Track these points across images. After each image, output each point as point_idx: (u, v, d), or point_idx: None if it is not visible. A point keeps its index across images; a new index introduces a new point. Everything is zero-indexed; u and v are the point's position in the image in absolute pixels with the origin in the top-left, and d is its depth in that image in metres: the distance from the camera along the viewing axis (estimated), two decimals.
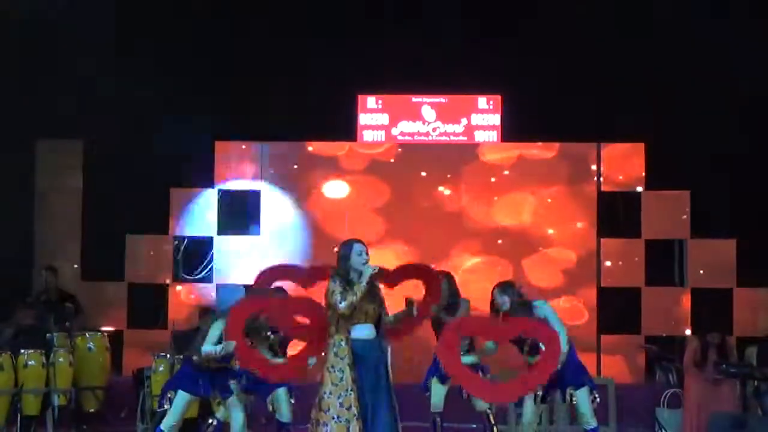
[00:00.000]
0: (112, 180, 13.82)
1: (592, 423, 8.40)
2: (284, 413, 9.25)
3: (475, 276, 14.01)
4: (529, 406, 8.53)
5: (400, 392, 8.01)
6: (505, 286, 8.66)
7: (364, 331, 7.57)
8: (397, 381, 8.91)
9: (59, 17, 13.13)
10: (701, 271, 13.92)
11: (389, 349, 8.10)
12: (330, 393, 7.42)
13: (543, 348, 8.04)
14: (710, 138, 13.34)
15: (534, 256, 14.09)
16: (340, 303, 7.42)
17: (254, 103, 13.79)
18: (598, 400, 8.51)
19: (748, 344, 11.42)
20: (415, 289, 8.35)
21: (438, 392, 9.41)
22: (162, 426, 8.45)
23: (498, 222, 14.20)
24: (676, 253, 14.18)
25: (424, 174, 14.27)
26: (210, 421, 9.02)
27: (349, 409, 7.37)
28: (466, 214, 14.20)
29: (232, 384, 8.43)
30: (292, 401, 9.29)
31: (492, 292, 8.66)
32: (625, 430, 11.53)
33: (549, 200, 14.19)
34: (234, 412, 8.50)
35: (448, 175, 14.27)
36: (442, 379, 9.36)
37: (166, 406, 8.49)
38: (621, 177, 14.14)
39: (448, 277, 9.55)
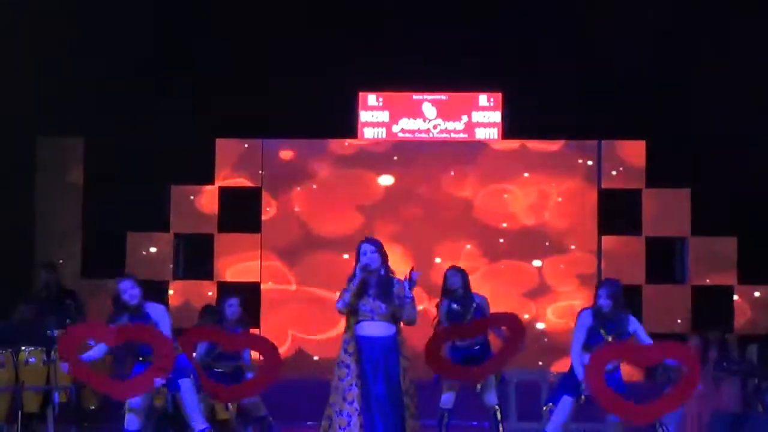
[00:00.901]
0: (113, 177, 13.82)
1: None
2: (258, 406, 9.32)
3: (477, 277, 14.03)
4: (567, 405, 8.35)
5: None
6: (614, 288, 8.26)
7: (369, 329, 7.56)
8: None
9: (61, 16, 13.13)
10: (702, 269, 13.92)
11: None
12: (336, 387, 7.51)
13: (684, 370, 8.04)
14: (711, 135, 13.35)
15: (534, 254, 14.08)
16: (337, 302, 7.58)
17: (255, 100, 13.80)
18: None
19: (749, 342, 11.42)
20: None
21: (450, 389, 9.41)
22: (126, 426, 8.38)
23: (498, 221, 14.20)
24: (677, 251, 14.18)
25: (426, 171, 14.27)
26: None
27: (351, 403, 7.42)
28: (466, 213, 14.20)
29: (182, 382, 8.33)
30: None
31: (597, 290, 8.34)
32: (625, 428, 11.50)
33: (549, 198, 14.19)
34: (187, 404, 8.42)
35: (452, 173, 14.27)
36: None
37: (126, 408, 8.47)
38: (622, 174, 14.13)
39: (462, 273, 9.58)
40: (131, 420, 8.27)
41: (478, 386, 9.36)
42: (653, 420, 8.19)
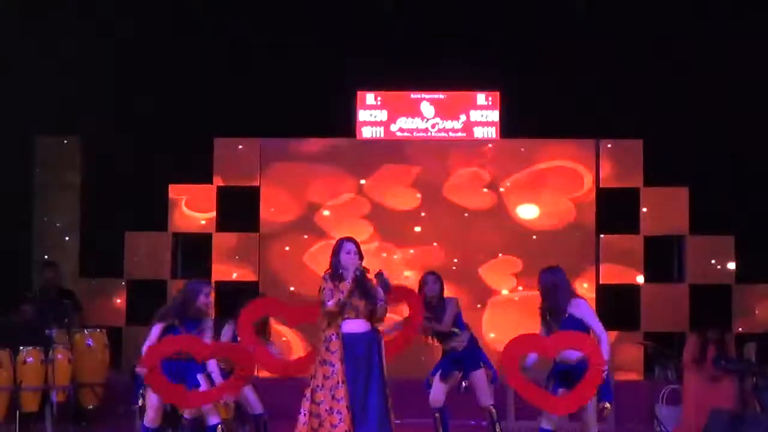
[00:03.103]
0: (111, 176, 13.83)
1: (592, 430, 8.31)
2: (253, 405, 9.38)
3: (475, 277, 14.04)
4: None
5: (404, 388, 8.15)
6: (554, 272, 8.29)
7: (354, 326, 7.82)
8: (402, 376, 9.00)
9: (59, 15, 13.14)
10: (700, 268, 13.92)
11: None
12: (322, 386, 7.71)
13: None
14: (709, 134, 13.37)
15: (531, 253, 14.07)
16: (328, 302, 7.76)
17: (253, 99, 13.80)
18: (608, 408, 8.21)
19: (747, 340, 11.44)
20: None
21: (437, 388, 9.43)
22: (145, 422, 8.43)
23: (495, 219, 14.20)
24: (675, 250, 14.19)
25: (424, 170, 14.24)
26: (182, 418, 9.05)
27: (340, 401, 7.62)
28: (463, 212, 14.19)
29: (200, 377, 8.39)
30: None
31: (540, 274, 8.34)
32: (623, 427, 11.53)
33: (547, 197, 14.18)
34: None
35: (449, 173, 14.26)
36: (444, 376, 9.38)
37: (140, 403, 8.50)
38: (620, 173, 14.13)
39: (440, 280, 9.59)
40: (151, 417, 8.33)
41: (464, 385, 9.39)
42: (569, 411, 8.15)
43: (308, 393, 7.78)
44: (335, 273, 7.87)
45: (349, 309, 7.81)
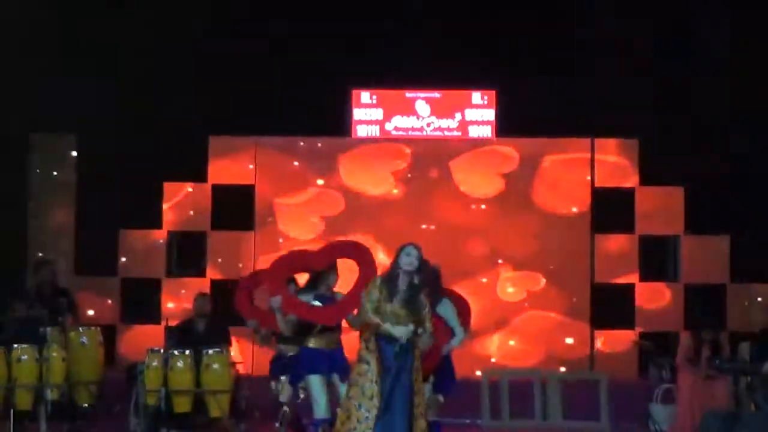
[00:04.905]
0: (106, 175, 13.81)
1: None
2: (317, 409, 8.69)
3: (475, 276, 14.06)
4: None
5: None
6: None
7: (393, 330, 7.65)
8: None
9: (58, 15, 13.13)
10: (695, 267, 13.94)
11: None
12: (356, 382, 7.71)
13: None
14: (705, 134, 13.38)
15: (525, 253, 14.08)
16: (355, 316, 8.06)
17: (248, 98, 13.79)
18: (441, 400, 8.46)
19: (741, 340, 11.44)
20: None
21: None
22: (317, 415, 8.42)
23: (491, 218, 14.20)
24: (670, 249, 14.20)
25: (420, 169, 14.26)
26: (283, 409, 9.02)
27: (371, 399, 7.62)
28: (460, 211, 14.20)
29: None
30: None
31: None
32: (618, 426, 11.54)
33: (542, 196, 14.19)
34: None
35: (443, 171, 14.26)
36: None
37: (301, 395, 8.71)
38: (615, 173, 14.14)
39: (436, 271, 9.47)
40: (323, 406, 8.39)
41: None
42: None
43: (347, 387, 7.88)
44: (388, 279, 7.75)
45: (389, 316, 7.64)
